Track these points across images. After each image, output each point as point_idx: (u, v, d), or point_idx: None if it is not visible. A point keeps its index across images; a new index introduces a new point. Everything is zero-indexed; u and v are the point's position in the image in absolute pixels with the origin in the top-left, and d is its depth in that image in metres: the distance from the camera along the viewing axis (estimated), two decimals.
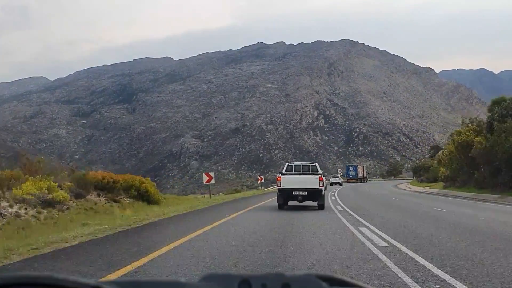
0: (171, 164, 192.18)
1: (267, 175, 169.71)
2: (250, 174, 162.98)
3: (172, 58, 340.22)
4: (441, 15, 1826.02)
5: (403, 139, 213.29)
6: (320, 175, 21.07)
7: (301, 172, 21.65)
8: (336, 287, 1.10)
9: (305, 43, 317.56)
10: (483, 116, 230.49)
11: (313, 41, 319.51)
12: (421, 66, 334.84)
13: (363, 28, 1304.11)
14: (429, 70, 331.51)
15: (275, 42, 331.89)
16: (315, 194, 20.79)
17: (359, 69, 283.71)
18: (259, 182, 60.34)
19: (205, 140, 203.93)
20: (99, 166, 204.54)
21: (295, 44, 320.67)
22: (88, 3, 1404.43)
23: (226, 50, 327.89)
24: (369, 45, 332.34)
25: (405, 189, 65.43)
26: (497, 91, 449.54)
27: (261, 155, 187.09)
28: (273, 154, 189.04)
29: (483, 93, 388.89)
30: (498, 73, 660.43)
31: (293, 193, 20.75)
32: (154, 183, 29.05)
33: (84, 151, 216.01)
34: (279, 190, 21.36)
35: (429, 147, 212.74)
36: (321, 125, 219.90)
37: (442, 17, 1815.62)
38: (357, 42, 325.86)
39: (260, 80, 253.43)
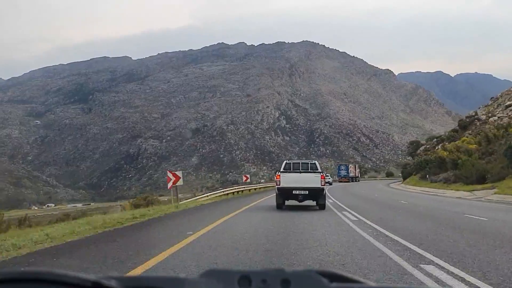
0: (128, 166, 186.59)
1: (227, 176, 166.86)
2: (211, 175, 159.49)
3: (131, 58, 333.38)
4: (399, 19, 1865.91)
5: (364, 139, 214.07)
6: (321, 174, 20.34)
7: (301, 170, 20.64)
8: (336, 283, 1.10)
9: (266, 44, 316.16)
10: (442, 117, 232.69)
11: (274, 42, 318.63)
12: (381, 68, 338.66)
13: (324, 30, 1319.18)
14: (388, 72, 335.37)
15: (236, 42, 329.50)
16: (316, 193, 19.89)
17: (320, 71, 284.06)
18: (244, 181, 55.29)
19: (164, 140, 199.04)
20: (52, 168, 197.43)
21: (256, 45, 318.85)
22: (43, 1, 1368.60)
23: (186, 50, 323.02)
24: (330, 47, 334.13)
25: (429, 193, 44.41)
26: (453, 94, 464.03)
27: (221, 155, 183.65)
28: (234, 154, 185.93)
29: (440, 95, 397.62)
30: (454, 76, 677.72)
31: (293, 192, 19.82)
32: None
33: (37, 152, 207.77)
34: (279, 189, 20.18)
35: (389, 146, 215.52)
36: (283, 125, 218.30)
37: (399, 21, 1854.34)
38: (318, 43, 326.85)
39: (221, 80, 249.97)
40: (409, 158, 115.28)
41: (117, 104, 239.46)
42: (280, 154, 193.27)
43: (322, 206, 19.95)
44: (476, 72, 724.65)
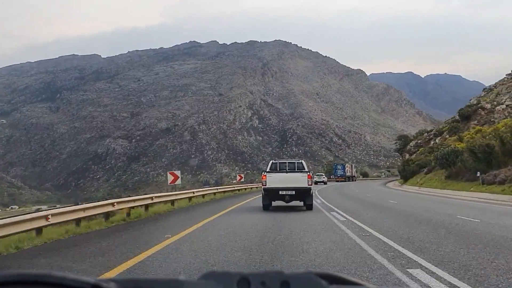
0: (96, 166, 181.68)
1: (199, 177, 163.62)
2: (182, 176, 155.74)
3: (100, 56, 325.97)
4: (370, 20, 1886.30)
5: (336, 139, 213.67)
6: (308, 173, 20.09)
7: (288, 170, 20.47)
8: (335, 285, 1.10)
9: (238, 43, 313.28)
10: (413, 117, 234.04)
11: (246, 41, 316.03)
12: (353, 68, 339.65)
13: (296, 30, 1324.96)
14: (360, 72, 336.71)
15: (208, 41, 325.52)
16: (303, 194, 19.74)
17: (292, 70, 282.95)
18: (238, 180, 53.63)
19: (133, 140, 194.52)
20: (18, 169, 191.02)
21: (228, 44, 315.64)
22: None
23: (157, 48, 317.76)
24: (302, 47, 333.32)
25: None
26: (423, 94, 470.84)
27: (193, 156, 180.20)
28: (205, 155, 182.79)
29: (411, 96, 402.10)
30: (425, 77, 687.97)
31: (280, 192, 19.61)
32: None
33: (2, 152, 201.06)
34: (265, 189, 19.93)
35: (361, 146, 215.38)
36: (255, 125, 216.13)
37: (370, 22, 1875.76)
38: (290, 43, 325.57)
39: (192, 79, 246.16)
40: (401, 154, 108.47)
41: (86, 103, 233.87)
42: (252, 155, 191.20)
43: (309, 207, 19.69)
44: (445, 73, 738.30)
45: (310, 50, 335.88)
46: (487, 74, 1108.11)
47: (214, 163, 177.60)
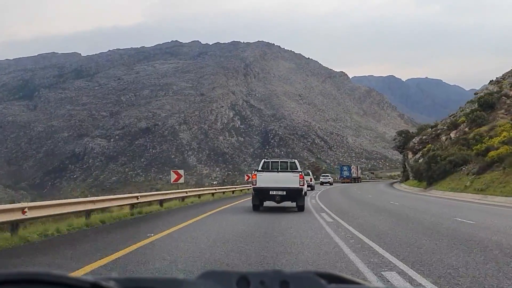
0: (73, 166, 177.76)
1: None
2: (161, 176, 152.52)
3: (80, 54, 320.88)
4: (352, 23, 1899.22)
5: (318, 141, 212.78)
6: (300, 173, 19.35)
7: (279, 170, 19.84)
8: (334, 284, 1.10)
9: (221, 43, 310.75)
10: (395, 120, 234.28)
11: (229, 41, 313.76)
12: (335, 70, 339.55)
13: (279, 31, 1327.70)
14: (342, 74, 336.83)
15: (190, 41, 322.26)
16: (295, 194, 19.09)
17: (275, 71, 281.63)
18: (246, 180, 49.94)
19: (112, 140, 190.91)
20: None
21: (210, 44, 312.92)
22: None
23: (138, 47, 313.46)
24: (285, 48, 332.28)
25: None
26: (405, 98, 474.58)
27: (173, 156, 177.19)
28: (186, 155, 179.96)
29: (392, 99, 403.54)
30: (406, 81, 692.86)
31: (270, 192, 18.95)
32: None
33: None
34: (255, 189, 19.40)
35: (343, 148, 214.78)
36: (237, 126, 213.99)
37: (352, 25, 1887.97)
38: (273, 44, 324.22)
39: (174, 79, 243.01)
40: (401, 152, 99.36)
41: (64, 101, 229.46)
42: (234, 155, 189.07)
43: (301, 208, 19.17)
44: (426, 77, 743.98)
45: (293, 51, 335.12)
46: (467, 79, 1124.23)
47: (194, 163, 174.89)
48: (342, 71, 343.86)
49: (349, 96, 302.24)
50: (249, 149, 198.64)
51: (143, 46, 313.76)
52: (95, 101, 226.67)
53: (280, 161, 21.07)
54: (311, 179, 49.26)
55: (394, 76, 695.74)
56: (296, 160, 21.27)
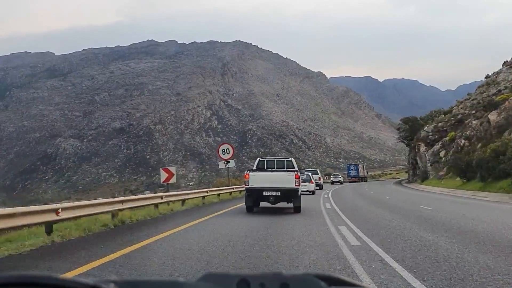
0: (45, 167, 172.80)
1: (153, 178, 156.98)
2: (135, 177, 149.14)
3: (54, 53, 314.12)
4: (329, 24, 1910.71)
5: (296, 141, 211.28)
6: (296, 172, 18.35)
7: (274, 169, 19.04)
8: (334, 286, 1.09)
9: (198, 43, 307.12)
10: (372, 120, 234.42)
11: (206, 40, 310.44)
12: (313, 70, 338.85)
13: (257, 31, 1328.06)
14: (320, 74, 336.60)
15: (166, 40, 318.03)
16: (290, 195, 18.03)
17: (252, 71, 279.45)
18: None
19: (85, 140, 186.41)
20: None
21: (187, 43, 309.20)
22: None
23: (113, 46, 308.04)
24: (263, 48, 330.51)
25: None
26: (381, 98, 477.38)
27: (148, 157, 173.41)
28: (161, 156, 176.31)
29: (369, 100, 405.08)
30: (383, 81, 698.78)
31: (264, 193, 18.02)
32: None
33: None
34: (247, 189, 18.45)
35: (321, 148, 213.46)
36: (214, 126, 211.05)
37: (330, 26, 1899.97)
38: (251, 44, 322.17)
39: (149, 78, 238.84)
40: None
41: (36, 101, 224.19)
42: (211, 156, 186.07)
43: (297, 209, 18.12)
44: (403, 78, 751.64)
45: (271, 51, 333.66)
46: (443, 80, 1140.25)
47: (170, 164, 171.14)
48: (320, 71, 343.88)
49: (327, 96, 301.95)
50: None
51: (118, 46, 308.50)
52: (68, 100, 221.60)
53: (276, 160, 20.32)
54: (319, 178, 49.24)
55: (371, 77, 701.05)
56: (292, 159, 20.57)
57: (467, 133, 53.37)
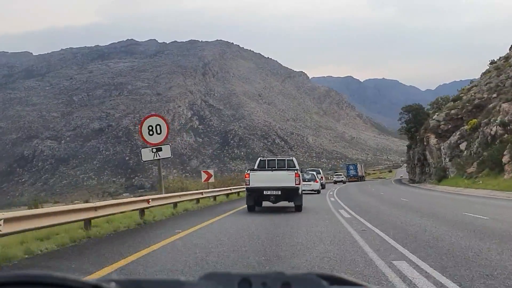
0: (22, 169, 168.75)
1: (133, 180, 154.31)
2: (114, 179, 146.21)
3: (31, 53, 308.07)
4: (310, 24, 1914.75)
5: (278, 141, 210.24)
6: (296, 171, 18.41)
7: (274, 168, 19.37)
8: (336, 286, 1.09)
9: (178, 42, 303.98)
10: (354, 120, 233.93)
11: (187, 40, 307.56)
12: (295, 70, 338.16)
13: (239, 31, 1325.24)
14: (302, 74, 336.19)
15: (146, 39, 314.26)
16: (290, 194, 18.22)
17: (234, 71, 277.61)
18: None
19: (62, 141, 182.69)
20: None
21: (168, 43, 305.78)
22: None
23: (93, 45, 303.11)
24: (244, 47, 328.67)
25: None
26: (363, 98, 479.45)
27: (127, 158, 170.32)
28: (141, 157, 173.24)
29: (351, 100, 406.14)
30: (364, 81, 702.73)
31: (264, 192, 18.13)
32: None
33: None
34: (248, 189, 18.65)
35: (303, 148, 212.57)
36: (195, 126, 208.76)
37: (311, 26, 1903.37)
38: (232, 43, 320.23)
39: (129, 78, 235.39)
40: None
41: (13, 101, 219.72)
42: (192, 156, 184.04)
43: (298, 208, 18.28)
44: (383, 78, 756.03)
45: (252, 51, 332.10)
46: (423, 80, 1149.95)
47: (150, 165, 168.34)
48: (301, 71, 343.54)
49: (309, 96, 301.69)
50: (208, 150, 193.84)
51: (98, 45, 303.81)
52: (46, 101, 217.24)
53: (277, 159, 20.79)
54: (322, 177, 46.70)
55: (352, 77, 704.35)
56: (293, 158, 20.69)
57: (499, 118, 42.70)
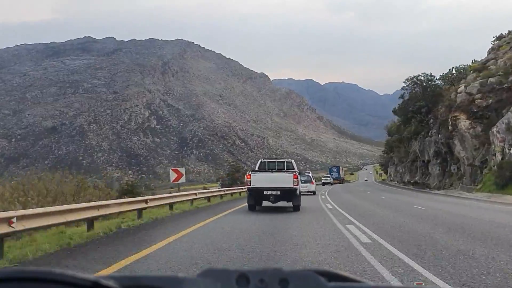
0: None
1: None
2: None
3: None
4: (271, 26, 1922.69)
5: (239, 142, 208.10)
6: (294, 173, 18.84)
7: (274, 170, 19.64)
8: (334, 282, 1.08)
9: (137, 40, 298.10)
10: (314, 122, 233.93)
11: (146, 38, 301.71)
12: (256, 71, 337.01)
13: (200, 30, 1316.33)
14: (263, 76, 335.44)
15: (104, 37, 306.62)
16: (289, 194, 18.56)
17: (194, 70, 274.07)
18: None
19: (13, 140, 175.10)
20: None
21: (126, 41, 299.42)
22: None
23: (48, 42, 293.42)
24: (205, 47, 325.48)
25: None
26: (322, 101, 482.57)
27: (81, 158, 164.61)
28: (95, 157, 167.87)
29: (311, 102, 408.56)
30: (324, 84, 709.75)
31: (265, 192, 18.50)
32: None
33: None
34: (249, 189, 18.91)
35: (264, 150, 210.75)
36: (153, 126, 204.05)
37: (271, 28, 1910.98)
38: (193, 43, 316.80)
39: (85, 75, 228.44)
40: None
41: None
42: (149, 157, 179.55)
43: (296, 208, 18.86)
44: (343, 82, 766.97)
45: (214, 51, 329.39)
46: (381, 84, 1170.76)
47: (104, 166, 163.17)
48: (263, 73, 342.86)
49: (270, 98, 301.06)
50: (166, 150, 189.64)
51: (53, 42, 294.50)
52: None
53: (277, 161, 21.32)
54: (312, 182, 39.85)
55: (313, 80, 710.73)
56: (292, 160, 21.38)
57: None
